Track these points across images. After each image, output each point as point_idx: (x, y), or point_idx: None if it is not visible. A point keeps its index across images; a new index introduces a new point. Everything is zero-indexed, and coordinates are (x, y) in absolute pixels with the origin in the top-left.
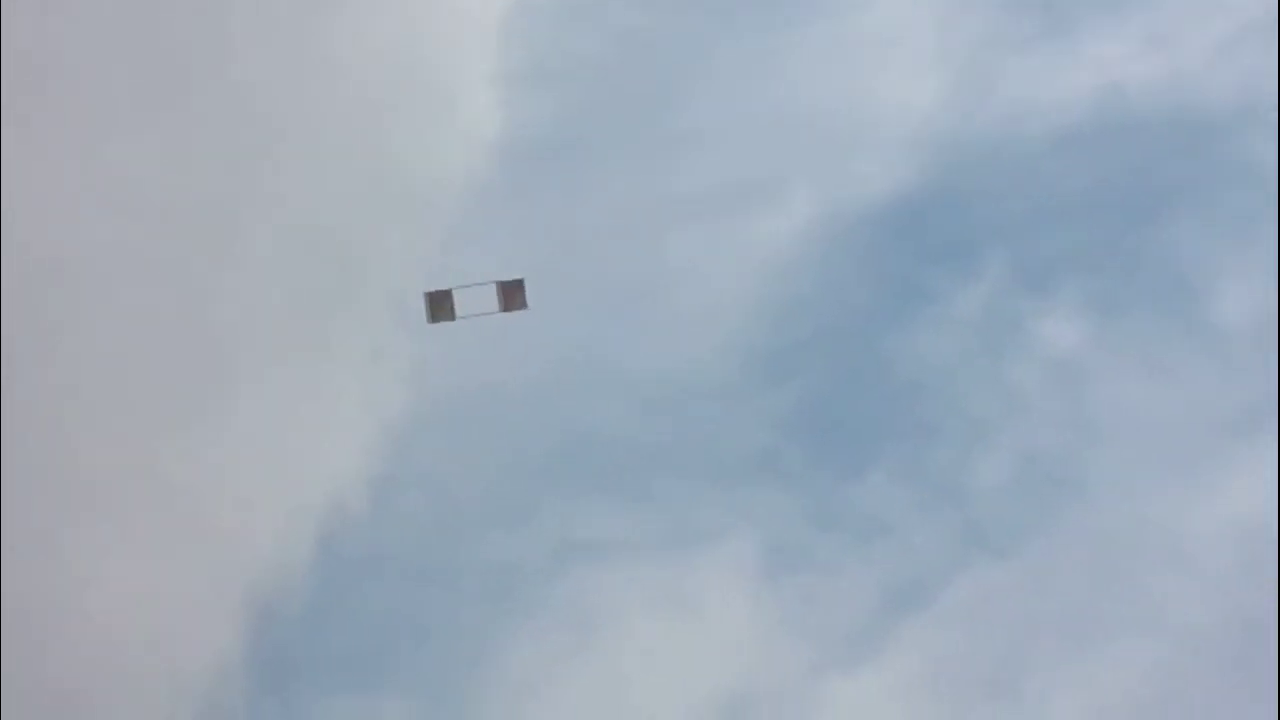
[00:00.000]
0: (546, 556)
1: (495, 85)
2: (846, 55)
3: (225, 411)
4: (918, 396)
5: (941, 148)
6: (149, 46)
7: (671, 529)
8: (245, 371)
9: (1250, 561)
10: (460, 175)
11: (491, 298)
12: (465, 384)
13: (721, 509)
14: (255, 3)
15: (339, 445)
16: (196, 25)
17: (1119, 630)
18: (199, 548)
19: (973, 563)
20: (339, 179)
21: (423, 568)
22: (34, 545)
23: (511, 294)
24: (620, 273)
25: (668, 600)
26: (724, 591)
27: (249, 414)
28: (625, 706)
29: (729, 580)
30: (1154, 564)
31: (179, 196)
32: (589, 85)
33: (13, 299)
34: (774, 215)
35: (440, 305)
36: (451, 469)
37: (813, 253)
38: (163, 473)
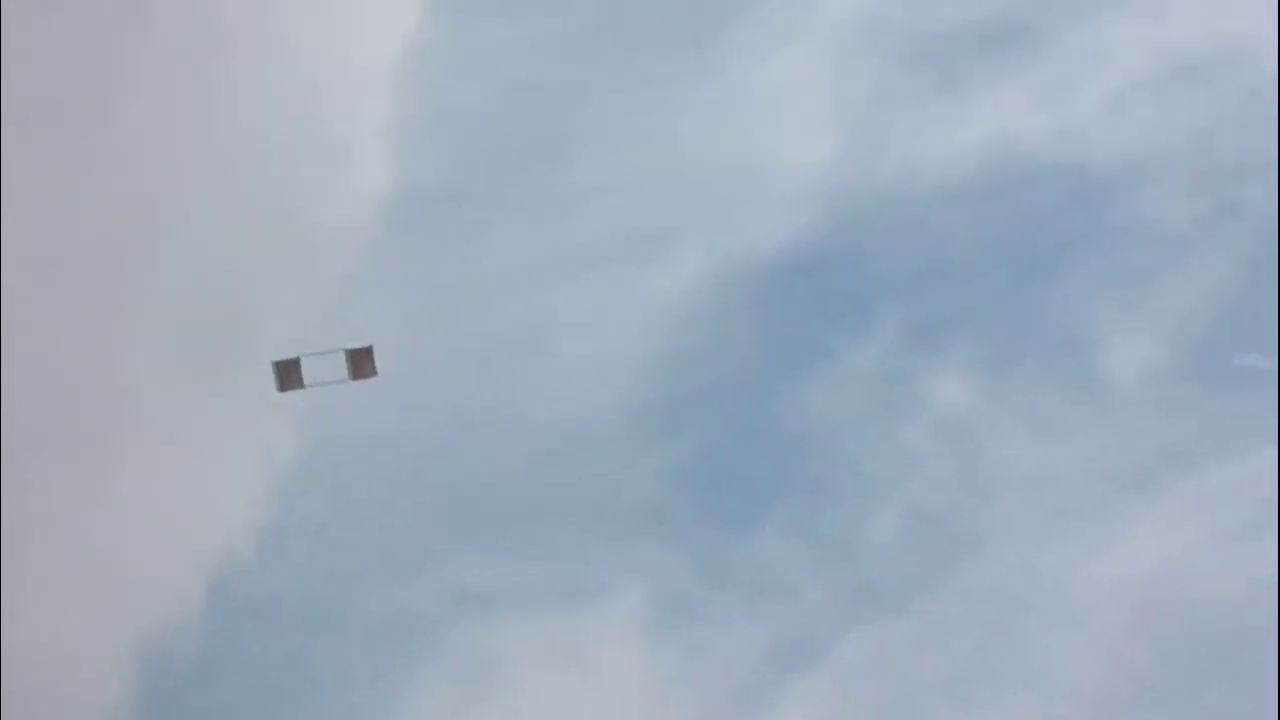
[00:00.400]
0: (438, 606)
1: (386, 136)
2: (740, 110)
3: (116, 459)
4: (809, 452)
5: (834, 203)
6: (38, 94)
7: (562, 581)
8: (136, 419)
9: (1139, 620)
10: (351, 226)
11: (341, 365)
12: (355, 433)
13: (612, 562)
14: (147, 51)
15: (229, 493)
16: (88, 73)
17: (1008, 687)
18: (88, 593)
19: (863, 619)
20: (231, 229)
21: (313, 616)
22: None
23: (360, 361)
24: (511, 324)
25: (559, 652)
26: (614, 644)
27: (140, 461)
28: None
29: (619, 633)
30: (1044, 621)
31: (72, 244)
32: (479, 137)
33: None
34: (666, 268)
35: (289, 374)
36: (341, 518)
37: (704, 306)
38: (53, 518)
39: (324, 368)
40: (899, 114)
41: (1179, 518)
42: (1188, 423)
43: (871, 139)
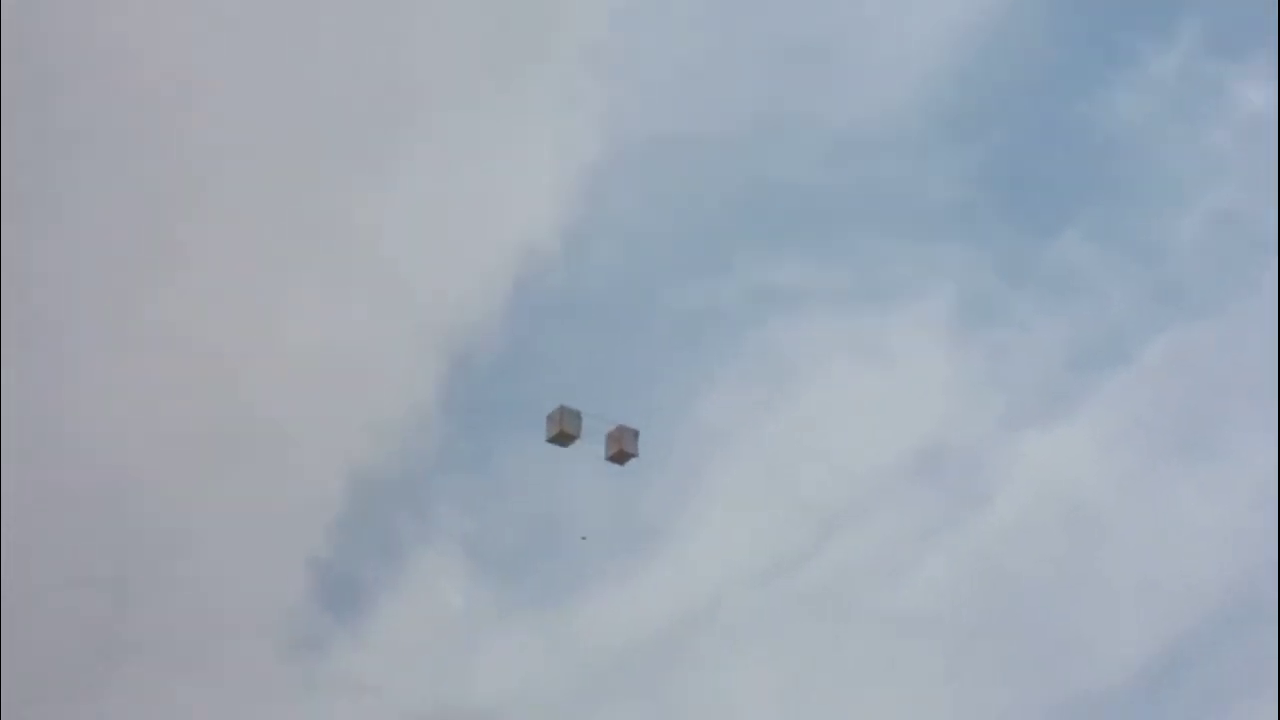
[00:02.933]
0: (742, 303)
1: None
2: None
3: (419, 160)
4: (1112, 156)
5: None
6: None
7: (865, 281)
8: (438, 120)
9: None
10: None
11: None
12: (658, 132)
13: (914, 262)
14: None
15: (532, 193)
16: None
17: None
18: (395, 295)
19: (1168, 321)
20: None
21: (616, 314)
22: (231, 292)
23: (625, 438)
24: (815, 23)
25: (862, 351)
26: (917, 344)
27: (442, 163)
28: (820, 455)
29: (922, 333)
30: None
31: None
32: None
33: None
34: None
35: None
36: (644, 216)
37: (1008, 9)
38: (357, 222)
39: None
40: None
41: None
42: None
43: None
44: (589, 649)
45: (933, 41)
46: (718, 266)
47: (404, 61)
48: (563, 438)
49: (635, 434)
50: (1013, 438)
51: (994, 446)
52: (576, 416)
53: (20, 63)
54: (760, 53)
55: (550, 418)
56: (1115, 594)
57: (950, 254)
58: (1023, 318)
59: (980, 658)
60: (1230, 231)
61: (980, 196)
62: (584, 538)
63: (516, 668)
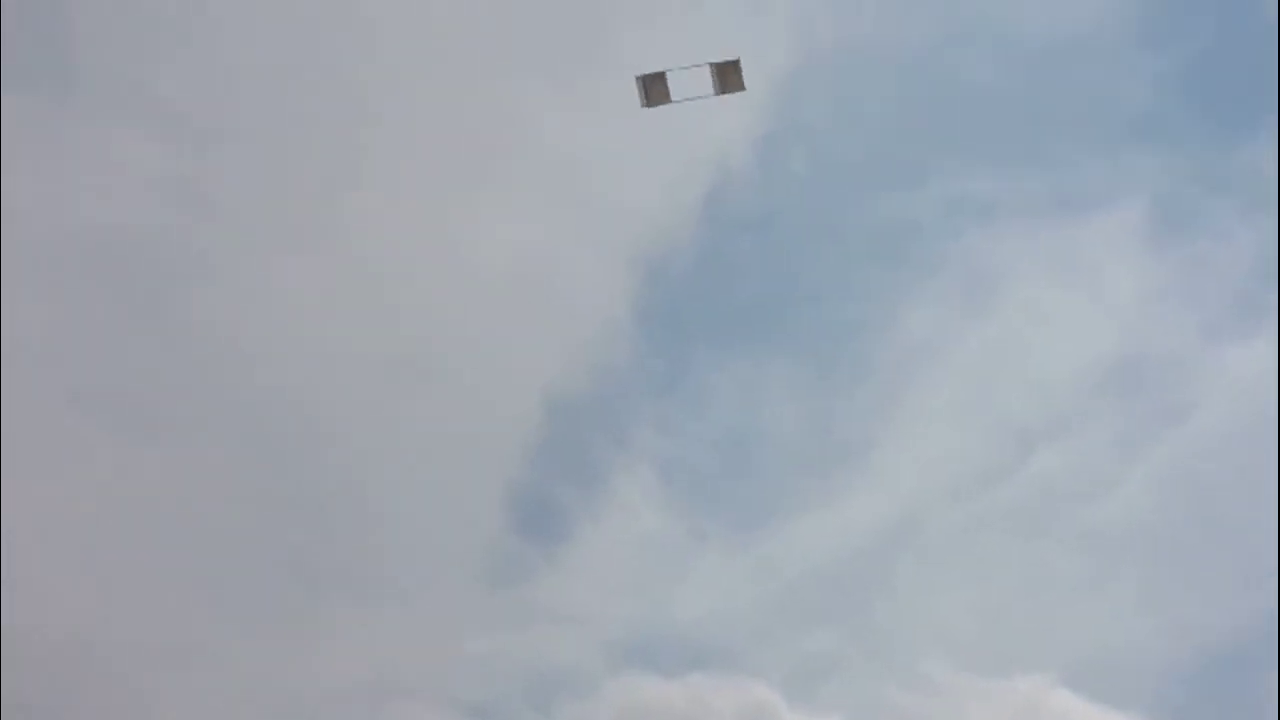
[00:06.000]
0: (936, 216)
1: None
2: None
3: (606, 73)
4: None
5: None
6: None
7: (1059, 191)
8: (623, 26)
9: None
10: None
11: (707, 80)
12: (850, 40)
13: (1108, 171)
14: None
15: (720, 101)
16: None
17: None
18: (583, 207)
19: None
20: None
21: (810, 227)
22: (417, 210)
23: (727, 75)
24: None
25: (1058, 263)
26: (1112, 255)
27: (629, 74)
28: (1018, 369)
29: (1117, 244)
30: None
31: None
32: None
33: None
34: None
35: (655, 89)
36: (837, 127)
37: None
38: (544, 132)
39: (689, 83)
40: None
41: None
42: None
43: None
44: (788, 570)
45: None
46: (911, 178)
47: None
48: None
49: (735, 64)
50: (1211, 349)
51: (1192, 358)
52: (660, 77)
53: None
54: None
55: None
56: None
57: (1144, 162)
58: (1220, 227)
59: (1183, 572)
60: None
61: (1175, 102)
62: None
63: (716, 592)
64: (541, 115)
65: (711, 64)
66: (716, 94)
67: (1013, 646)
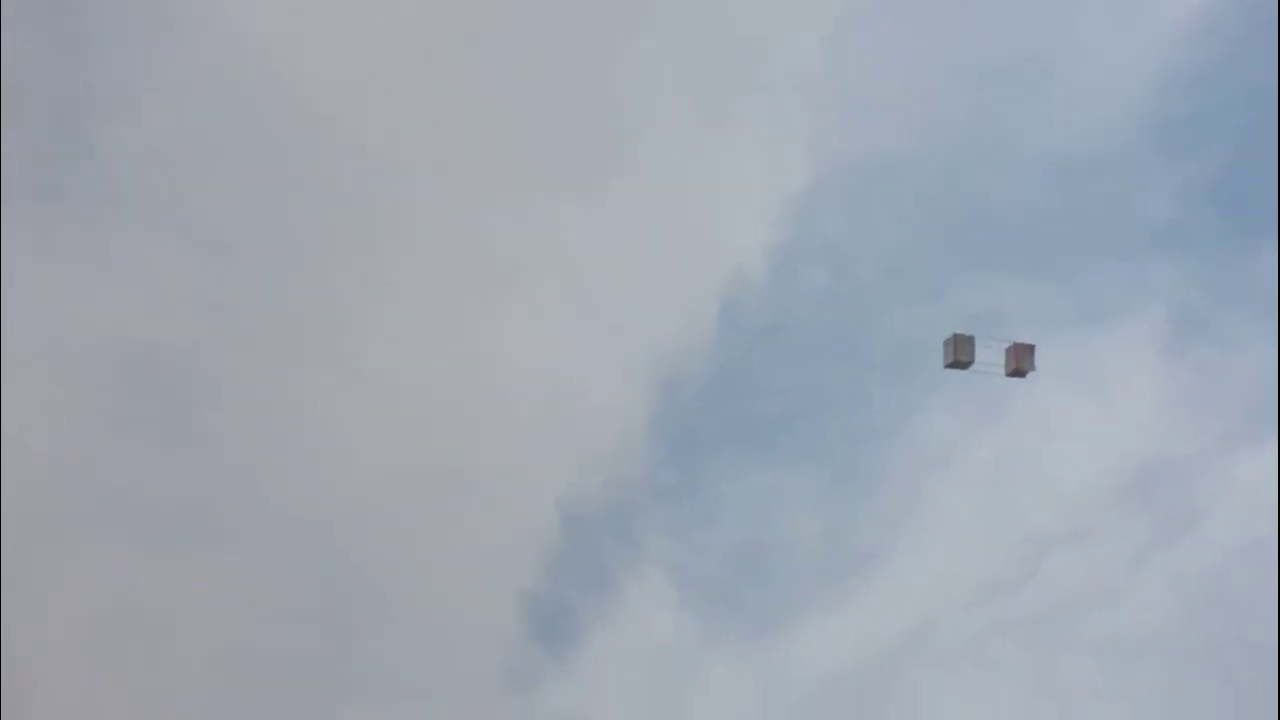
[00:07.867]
0: (952, 330)
1: None
2: None
3: (626, 185)
4: None
5: None
6: None
7: (1077, 303)
8: (646, 146)
9: None
10: None
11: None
12: (867, 154)
13: (1126, 283)
14: None
15: (739, 218)
16: None
17: None
18: (601, 320)
19: None
20: None
21: (826, 340)
22: (439, 324)
23: (1022, 355)
24: (1024, 42)
25: (1075, 374)
26: (1130, 365)
27: (650, 187)
28: (1032, 478)
29: (1134, 354)
30: None
31: None
32: None
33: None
34: None
35: (963, 349)
36: (853, 241)
37: (1219, 20)
38: (565, 245)
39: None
40: None
41: None
42: None
43: None
44: (800, 678)
45: (1146, 56)
46: (927, 291)
47: (615, 94)
48: (958, 365)
49: (1031, 349)
50: (1226, 458)
51: (1207, 467)
52: (969, 341)
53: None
54: (968, 72)
55: (946, 344)
56: None
57: (1161, 272)
58: (1235, 336)
59: (1198, 680)
60: None
61: (1193, 213)
62: None
63: (727, 699)
64: (564, 232)
65: (1014, 343)
66: (1007, 373)
67: None
